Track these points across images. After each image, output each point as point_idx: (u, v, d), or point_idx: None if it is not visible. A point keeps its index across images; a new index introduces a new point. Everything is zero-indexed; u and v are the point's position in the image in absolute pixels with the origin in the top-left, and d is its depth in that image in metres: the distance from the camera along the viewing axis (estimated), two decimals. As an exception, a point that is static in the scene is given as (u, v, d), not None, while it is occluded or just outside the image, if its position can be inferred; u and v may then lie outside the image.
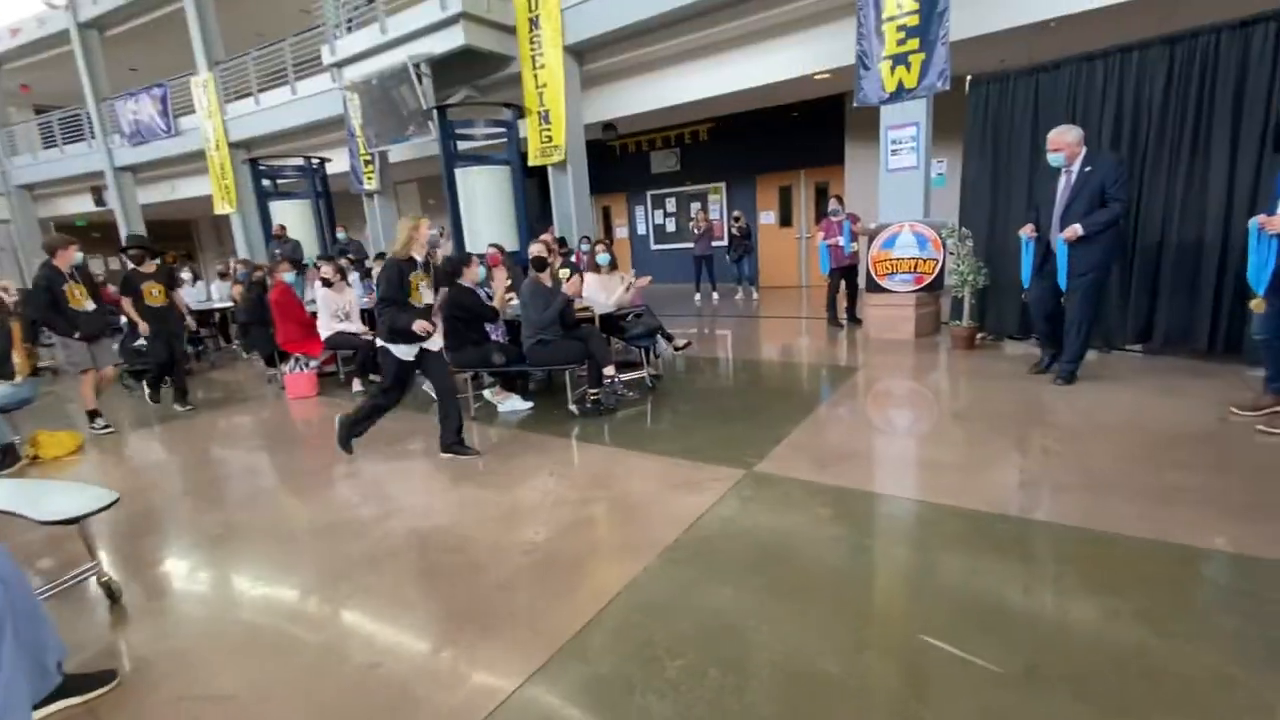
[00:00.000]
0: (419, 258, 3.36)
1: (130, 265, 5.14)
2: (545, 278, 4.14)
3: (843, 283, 6.92)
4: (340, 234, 10.00)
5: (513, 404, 4.50)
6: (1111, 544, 2.24)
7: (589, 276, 5.22)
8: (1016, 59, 5.44)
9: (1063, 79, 4.95)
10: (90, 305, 4.59)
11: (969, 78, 5.51)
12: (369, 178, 11.18)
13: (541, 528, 2.70)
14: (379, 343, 3.42)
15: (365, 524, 2.89)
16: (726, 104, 9.63)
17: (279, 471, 3.87)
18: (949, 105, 6.16)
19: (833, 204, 6.79)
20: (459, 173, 7.39)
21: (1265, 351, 3.32)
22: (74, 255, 4.48)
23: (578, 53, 8.69)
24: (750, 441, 3.57)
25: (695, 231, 10.05)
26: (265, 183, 10.62)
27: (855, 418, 4.01)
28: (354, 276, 7.41)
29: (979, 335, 5.64)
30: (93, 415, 4.81)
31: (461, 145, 8.16)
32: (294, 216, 10.01)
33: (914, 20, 5.66)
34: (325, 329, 5.35)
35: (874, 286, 6.35)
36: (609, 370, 4.16)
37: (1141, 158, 4.62)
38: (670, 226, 12.73)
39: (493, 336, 4.50)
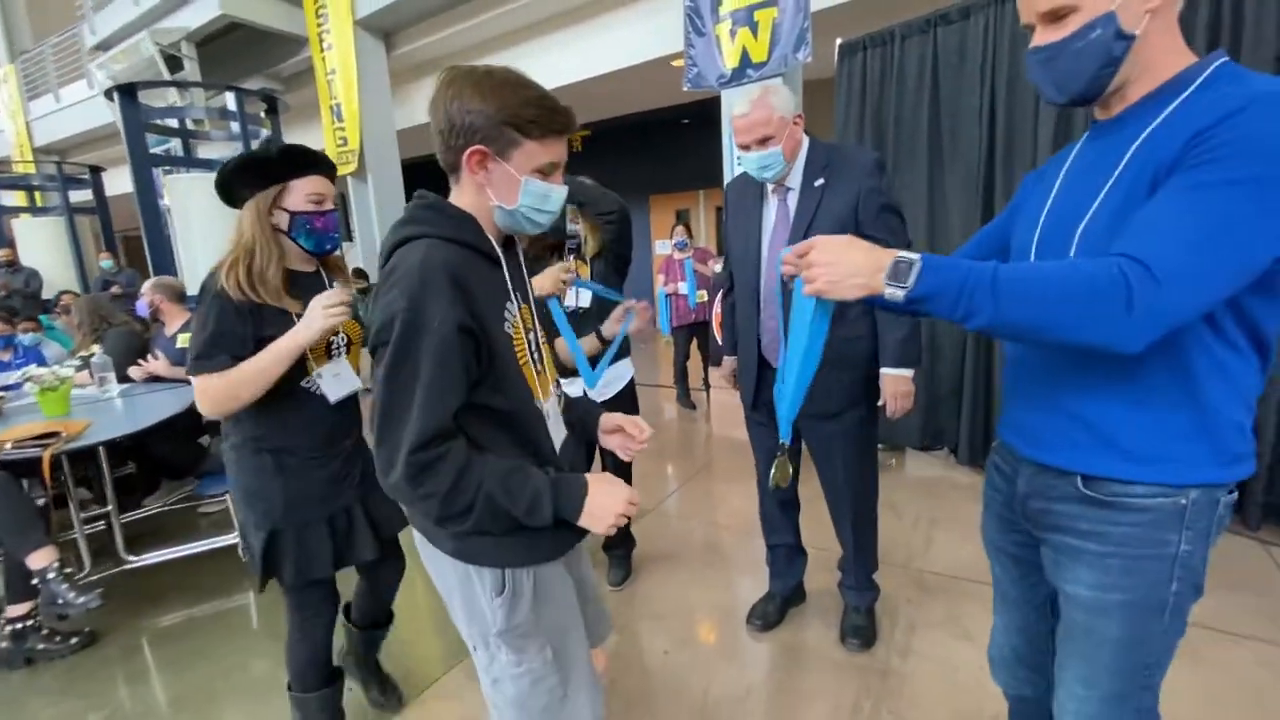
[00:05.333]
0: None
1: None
2: None
3: (693, 344, 4.85)
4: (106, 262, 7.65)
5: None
6: None
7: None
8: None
9: (973, 33, 2.95)
10: None
11: (838, 43, 3.51)
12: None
13: None
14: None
15: None
16: (595, 102, 7.63)
17: None
18: (821, 97, 4.18)
19: (677, 234, 4.73)
20: (171, 180, 5.26)
21: None
22: None
23: (383, 32, 6.66)
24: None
25: (569, 263, 7.98)
26: (5, 197, 8.34)
27: None
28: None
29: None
30: None
31: (205, 148, 6.03)
32: (43, 238, 7.76)
33: (761, -42, 3.68)
34: None
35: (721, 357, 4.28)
36: (38, 560, 2.01)
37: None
38: (563, 254, 10.67)
39: None
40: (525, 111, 0.92)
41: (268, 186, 1.37)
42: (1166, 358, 0.81)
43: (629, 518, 0.99)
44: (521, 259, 1.09)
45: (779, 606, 2.12)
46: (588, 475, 0.99)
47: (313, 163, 1.40)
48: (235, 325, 1.33)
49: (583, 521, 0.96)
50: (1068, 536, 0.92)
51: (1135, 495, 0.85)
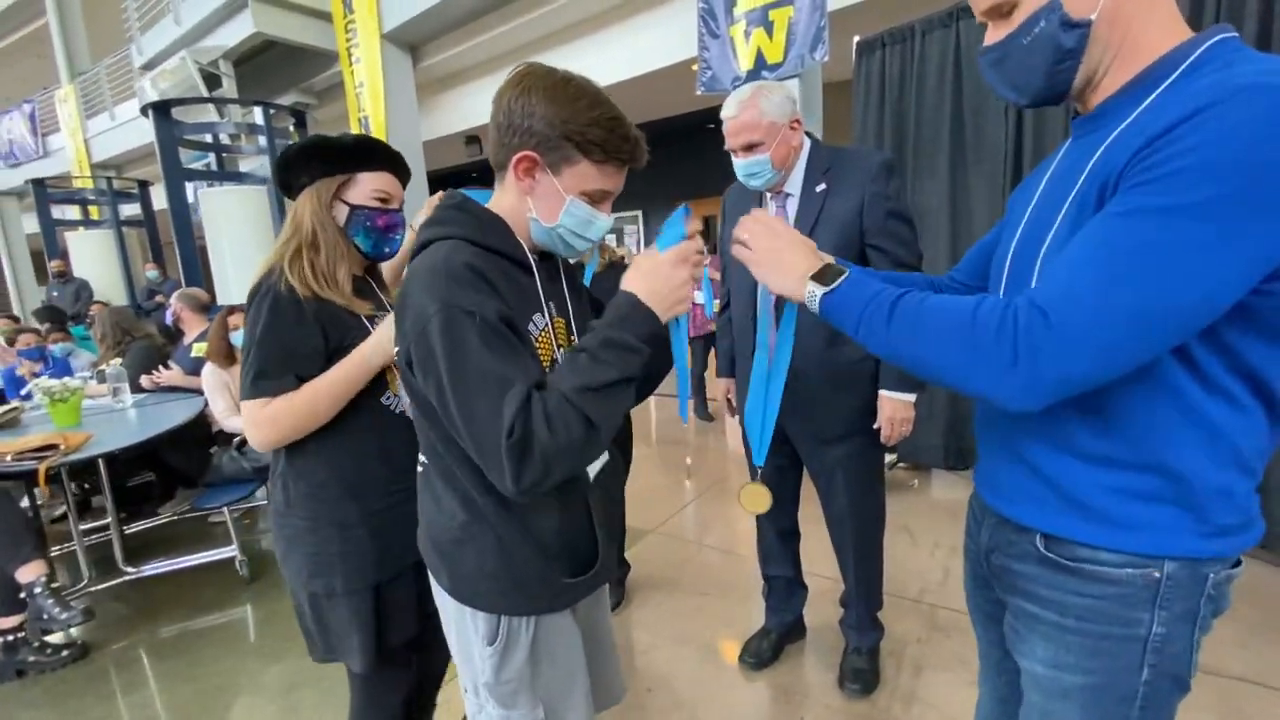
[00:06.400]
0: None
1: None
2: None
3: (711, 354, 4.72)
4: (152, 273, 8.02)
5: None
6: None
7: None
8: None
9: (998, 26, 2.77)
10: None
11: (855, 41, 3.36)
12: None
13: None
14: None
15: None
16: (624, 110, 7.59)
17: None
18: (840, 99, 4.01)
19: (694, 241, 4.61)
20: (205, 194, 5.43)
21: None
22: None
23: (410, 45, 6.74)
24: None
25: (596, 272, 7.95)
26: (66, 211, 8.79)
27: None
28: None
29: (888, 463, 3.38)
30: None
31: (239, 163, 6.23)
32: (91, 249, 8.13)
33: (777, -44, 3.55)
34: None
35: (738, 369, 4.14)
36: (26, 573, 2.03)
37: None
38: (592, 261, 10.64)
39: None
40: (591, 130, 0.83)
41: (332, 174, 1.20)
42: (1141, 404, 0.67)
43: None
44: (562, 268, 0.99)
45: (775, 643, 1.98)
46: (622, 286, 0.84)
47: (386, 158, 1.25)
48: (302, 336, 1.12)
49: (668, 317, 0.83)
50: (1025, 601, 0.79)
51: (1101, 563, 0.71)
